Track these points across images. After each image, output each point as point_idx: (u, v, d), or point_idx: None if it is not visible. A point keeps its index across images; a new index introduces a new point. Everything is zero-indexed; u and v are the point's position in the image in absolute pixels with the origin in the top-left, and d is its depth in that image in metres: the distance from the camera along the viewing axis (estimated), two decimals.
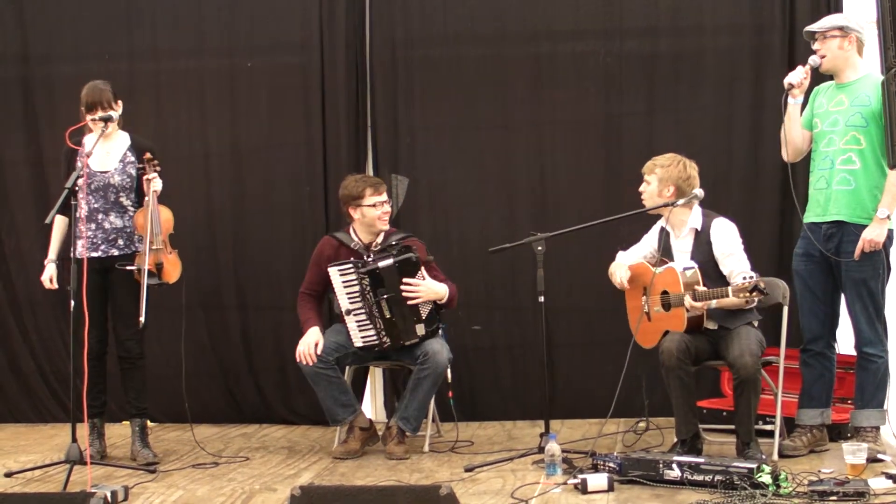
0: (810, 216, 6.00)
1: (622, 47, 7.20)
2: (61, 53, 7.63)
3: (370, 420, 6.54)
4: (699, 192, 5.96)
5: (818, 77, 6.09)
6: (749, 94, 7.09)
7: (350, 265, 6.31)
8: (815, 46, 5.96)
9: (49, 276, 6.40)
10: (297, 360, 6.29)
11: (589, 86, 7.25)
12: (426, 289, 6.29)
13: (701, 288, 5.72)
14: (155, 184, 6.18)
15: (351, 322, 6.31)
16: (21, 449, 6.91)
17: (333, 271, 6.32)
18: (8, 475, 6.05)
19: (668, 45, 7.18)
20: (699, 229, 5.96)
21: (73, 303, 5.84)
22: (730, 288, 5.57)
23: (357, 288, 6.30)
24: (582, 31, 7.24)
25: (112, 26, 7.59)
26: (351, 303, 6.30)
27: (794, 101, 5.93)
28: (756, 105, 7.05)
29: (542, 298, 6.06)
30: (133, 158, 6.34)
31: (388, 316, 6.27)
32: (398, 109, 7.39)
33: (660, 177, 5.97)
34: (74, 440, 5.84)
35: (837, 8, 6.81)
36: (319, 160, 7.40)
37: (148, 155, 6.24)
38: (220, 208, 7.53)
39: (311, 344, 6.29)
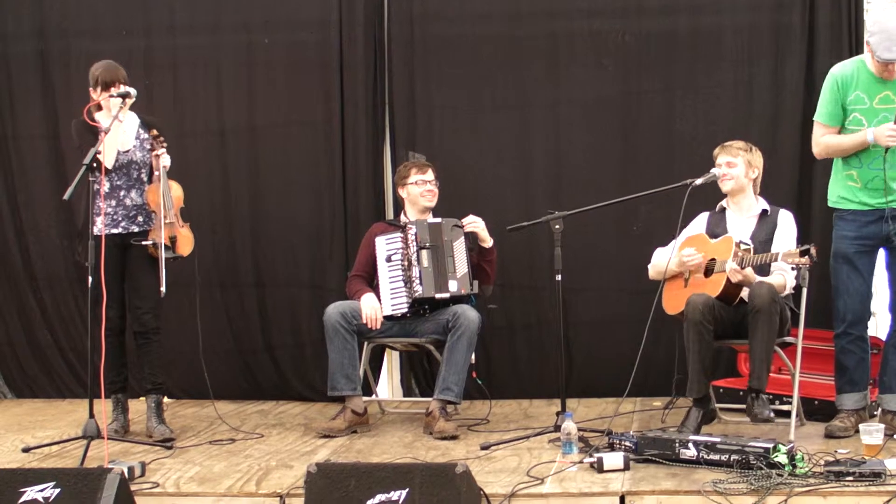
0: (861, 198, 5.86)
1: (640, 25, 7.16)
2: (78, 29, 7.62)
3: (365, 407, 6.48)
4: (718, 171, 6.04)
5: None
6: (768, 73, 7.04)
7: (398, 232, 6.52)
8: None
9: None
10: (364, 321, 6.35)
11: (607, 64, 7.22)
12: (482, 225, 6.49)
13: (749, 254, 5.82)
14: (164, 159, 6.23)
15: (384, 280, 6.45)
16: (38, 424, 6.94)
17: (380, 240, 6.53)
18: (25, 450, 6.09)
19: (686, 22, 7.13)
20: (768, 212, 6.12)
21: (90, 279, 5.88)
22: (780, 253, 5.68)
23: (399, 244, 6.49)
24: (599, 8, 7.20)
25: (128, 1, 7.57)
26: (391, 253, 6.48)
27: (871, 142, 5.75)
28: (775, 84, 7.01)
29: (559, 277, 6.06)
30: (146, 135, 6.36)
31: (425, 265, 6.38)
32: (415, 88, 7.37)
33: (747, 160, 6.13)
34: (92, 416, 5.88)
35: None
36: (337, 138, 7.38)
37: (154, 132, 6.29)
38: (237, 185, 7.53)
39: (376, 308, 6.39)
